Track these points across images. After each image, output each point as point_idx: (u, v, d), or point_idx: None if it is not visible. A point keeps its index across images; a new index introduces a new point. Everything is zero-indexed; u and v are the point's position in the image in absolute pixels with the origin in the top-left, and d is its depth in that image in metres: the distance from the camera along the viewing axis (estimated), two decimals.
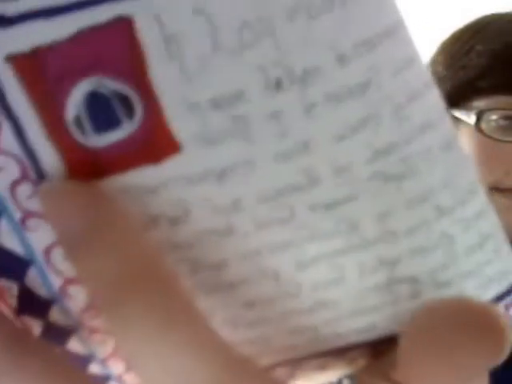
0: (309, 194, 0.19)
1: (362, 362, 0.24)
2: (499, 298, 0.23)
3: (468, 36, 0.87)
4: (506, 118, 0.81)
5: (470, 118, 0.82)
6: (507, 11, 0.90)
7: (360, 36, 0.18)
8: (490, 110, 0.81)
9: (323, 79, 0.17)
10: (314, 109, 0.18)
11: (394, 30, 0.18)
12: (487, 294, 0.23)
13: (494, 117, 0.81)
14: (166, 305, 0.17)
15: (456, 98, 0.84)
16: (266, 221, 0.19)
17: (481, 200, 0.21)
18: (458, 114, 0.83)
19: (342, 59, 0.17)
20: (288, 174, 0.19)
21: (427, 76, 0.19)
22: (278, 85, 0.17)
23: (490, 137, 0.81)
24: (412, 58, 0.19)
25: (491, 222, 0.22)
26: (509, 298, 0.23)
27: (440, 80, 0.86)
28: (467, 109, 0.83)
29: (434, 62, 0.89)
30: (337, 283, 0.21)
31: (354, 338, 0.23)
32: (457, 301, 0.21)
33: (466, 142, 0.83)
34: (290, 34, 0.17)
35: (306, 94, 0.18)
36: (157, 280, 0.17)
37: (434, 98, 0.19)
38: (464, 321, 0.20)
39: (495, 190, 0.81)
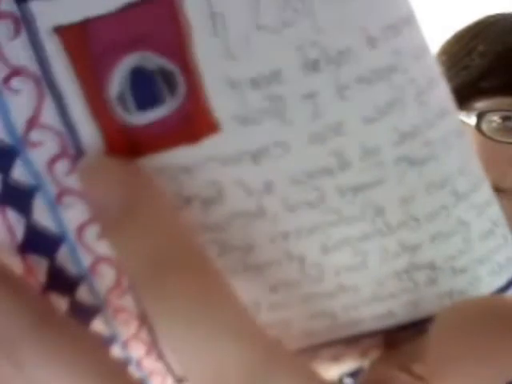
0: (338, 177, 0.19)
1: (374, 353, 0.24)
2: (509, 284, 0.23)
3: (470, 36, 0.87)
4: (507, 119, 0.81)
5: (471, 119, 0.82)
6: (510, 11, 0.90)
7: (386, 20, 0.18)
8: (491, 111, 0.81)
9: (355, 61, 0.18)
10: (346, 90, 0.18)
11: (412, 19, 0.19)
12: (500, 280, 0.23)
13: (495, 118, 0.81)
14: (203, 284, 0.17)
15: (457, 99, 0.84)
16: (296, 204, 0.20)
17: (488, 187, 0.22)
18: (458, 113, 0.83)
19: (371, 42, 0.18)
20: (319, 156, 0.19)
21: (438, 66, 0.20)
22: (314, 65, 0.18)
23: (490, 138, 0.81)
24: (427, 47, 0.20)
25: (498, 210, 0.23)
26: None
27: None
28: (468, 109, 0.83)
29: (437, 61, 0.89)
30: (359, 268, 0.21)
31: (371, 326, 0.23)
32: (489, 299, 0.21)
33: None
34: (327, 15, 0.17)
35: (339, 75, 0.18)
36: (194, 259, 0.17)
37: (446, 87, 0.20)
38: (503, 320, 0.20)
39: (495, 190, 0.82)
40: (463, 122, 0.83)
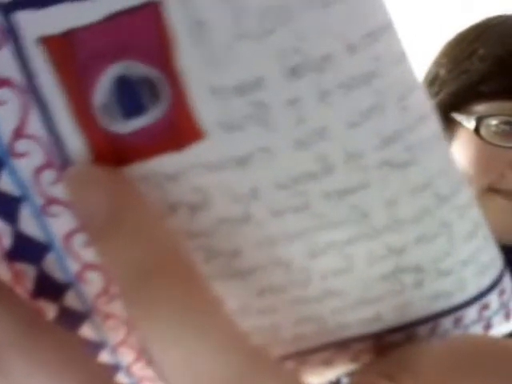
0: (323, 181, 0.19)
1: (365, 357, 0.24)
2: (494, 284, 0.24)
3: (471, 39, 0.87)
4: (506, 123, 0.81)
5: (470, 123, 0.82)
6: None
7: (366, 27, 0.18)
8: (490, 115, 0.81)
9: (336, 67, 0.18)
10: (328, 96, 0.18)
11: (390, 26, 0.19)
12: (484, 281, 0.24)
13: (493, 122, 0.81)
14: (188, 291, 0.17)
15: (457, 102, 0.84)
16: (282, 209, 0.20)
17: (469, 190, 0.22)
18: (458, 117, 0.83)
19: (351, 48, 0.18)
20: (304, 161, 0.19)
21: (415, 72, 0.20)
22: (296, 71, 0.18)
23: (489, 143, 0.81)
24: (404, 53, 0.20)
25: (478, 211, 0.23)
26: (500, 285, 0.24)
27: (442, 83, 0.86)
28: (467, 113, 0.83)
29: (437, 64, 0.89)
30: (345, 272, 0.22)
31: (360, 329, 0.23)
32: (484, 340, 0.21)
33: (464, 144, 0.83)
34: (308, 22, 0.17)
35: (320, 81, 0.18)
36: (179, 266, 0.18)
37: (424, 92, 0.20)
38: (498, 367, 0.20)
39: (491, 191, 0.82)
40: (462, 125, 0.83)
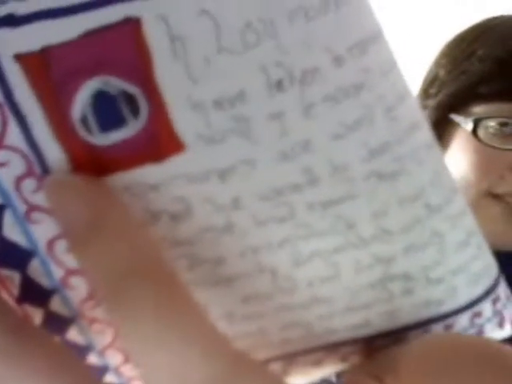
0: (308, 192, 0.19)
1: (355, 358, 0.25)
2: (487, 292, 0.24)
3: (470, 40, 0.87)
4: (504, 125, 0.81)
5: (468, 124, 0.82)
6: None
7: (353, 39, 0.18)
8: (488, 117, 0.81)
9: (321, 80, 0.18)
10: (313, 109, 0.18)
11: (379, 36, 0.19)
12: (477, 289, 0.23)
13: (492, 123, 0.81)
14: (167, 298, 0.17)
15: (456, 103, 0.84)
16: (265, 219, 0.20)
17: (462, 199, 0.22)
18: (456, 118, 0.83)
19: (337, 61, 0.18)
20: (288, 173, 0.19)
21: (406, 80, 0.20)
22: (278, 85, 0.18)
23: (486, 144, 0.81)
24: (394, 63, 0.20)
25: (472, 220, 0.23)
26: (493, 294, 0.24)
27: (442, 84, 0.86)
28: (466, 114, 0.83)
29: (437, 64, 0.89)
30: (332, 280, 0.22)
31: (348, 334, 0.24)
32: (469, 339, 0.21)
33: (463, 146, 0.83)
34: (291, 36, 0.17)
35: (305, 94, 0.18)
36: (159, 273, 0.18)
37: (415, 101, 0.20)
38: (478, 362, 0.20)
39: (489, 195, 0.82)
40: (460, 127, 0.83)
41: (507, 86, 0.80)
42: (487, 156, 0.81)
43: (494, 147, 0.80)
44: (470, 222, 0.23)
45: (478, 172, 0.81)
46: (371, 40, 0.19)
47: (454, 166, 0.82)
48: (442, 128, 0.84)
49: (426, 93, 0.88)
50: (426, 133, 0.21)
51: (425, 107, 0.86)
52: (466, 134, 0.82)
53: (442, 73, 0.87)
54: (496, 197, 0.81)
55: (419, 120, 0.20)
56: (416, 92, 0.90)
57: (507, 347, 0.21)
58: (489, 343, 0.21)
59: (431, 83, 0.88)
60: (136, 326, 0.17)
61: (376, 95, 0.19)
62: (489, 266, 0.24)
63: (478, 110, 0.82)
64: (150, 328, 0.17)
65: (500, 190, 0.81)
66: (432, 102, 0.86)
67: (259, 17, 0.17)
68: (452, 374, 0.20)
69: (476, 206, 0.80)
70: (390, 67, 0.19)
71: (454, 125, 0.84)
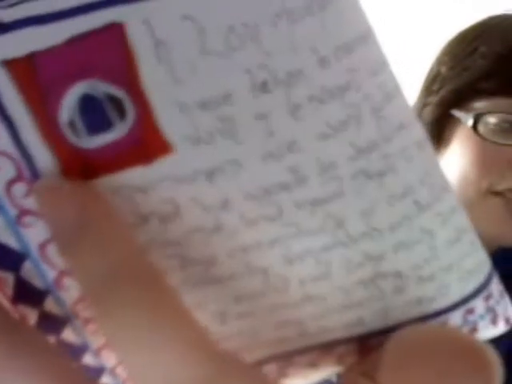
0: (296, 191, 0.20)
1: (350, 358, 0.25)
2: (478, 290, 0.24)
3: (473, 37, 0.87)
4: (505, 121, 0.81)
5: (469, 120, 0.82)
6: None
7: (338, 40, 0.18)
8: (488, 113, 0.81)
9: (306, 81, 0.18)
10: (299, 110, 0.18)
11: (367, 36, 0.19)
12: (468, 287, 0.23)
13: (492, 119, 0.81)
14: (152, 301, 0.18)
15: (457, 99, 0.84)
16: (254, 218, 0.20)
17: (453, 196, 0.22)
18: (457, 114, 0.83)
19: (323, 62, 0.18)
20: (275, 173, 0.19)
21: (397, 80, 0.20)
22: (263, 87, 0.18)
23: (486, 139, 0.81)
24: (384, 63, 0.20)
25: (464, 217, 0.23)
26: (486, 290, 0.24)
27: (443, 81, 0.86)
28: (467, 110, 0.83)
29: (439, 62, 0.89)
30: (323, 278, 0.22)
31: (342, 333, 0.24)
32: (445, 330, 0.21)
33: (464, 142, 0.83)
34: (274, 38, 0.18)
35: (290, 95, 0.18)
36: (143, 277, 0.18)
37: (405, 100, 0.20)
38: (453, 353, 0.20)
39: (490, 193, 0.82)
40: (461, 123, 0.83)
41: (508, 82, 0.80)
42: (487, 152, 0.81)
43: (494, 143, 0.80)
44: (461, 219, 0.23)
45: (479, 168, 0.81)
46: (358, 40, 0.19)
47: (455, 163, 0.83)
48: (444, 125, 0.84)
49: (427, 90, 0.88)
50: (416, 131, 0.21)
51: (427, 104, 0.87)
52: (467, 130, 0.82)
53: (443, 70, 0.87)
54: (497, 194, 0.81)
55: (409, 119, 0.21)
56: (417, 90, 0.90)
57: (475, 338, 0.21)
58: (465, 335, 0.21)
59: (433, 80, 0.88)
60: (117, 328, 0.18)
61: (363, 95, 0.19)
62: (481, 263, 0.24)
63: (479, 105, 0.82)
64: (130, 330, 0.17)
65: (501, 187, 0.81)
66: (434, 99, 0.86)
67: (242, 21, 0.17)
68: (423, 365, 0.20)
69: (477, 203, 0.80)
70: (378, 67, 0.19)
71: (455, 121, 0.84)
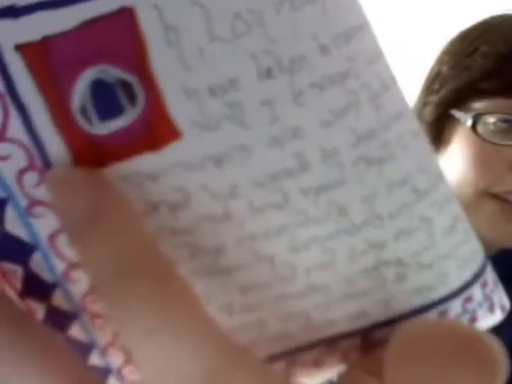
0: (300, 178, 0.20)
1: (353, 355, 0.25)
2: (476, 276, 0.24)
3: (473, 37, 0.87)
4: (505, 121, 0.81)
5: (468, 120, 0.82)
6: None
7: (338, 28, 0.19)
8: (488, 113, 0.81)
9: (308, 68, 0.19)
10: (301, 96, 0.19)
11: (364, 26, 0.20)
12: (465, 275, 0.24)
13: (492, 119, 0.81)
14: (163, 292, 0.17)
15: (458, 99, 0.84)
16: (261, 206, 0.20)
17: (447, 185, 0.23)
18: (457, 114, 0.83)
19: (323, 49, 0.19)
20: (280, 159, 0.20)
21: (392, 71, 0.21)
22: (268, 73, 0.18)
23: (485, 140, 0.81)
24: (380, 53, 0.20)
25: (458, 206, 0.23)
26: (482, 278, 0.24)
27: (444, 80, 0.86)
28: (467, 110, 0.83)
29: (440, 61, 0.89)
30: (328, 267, 0.22)
31: (346, 326, 0.24)
32: (447, 323, 0.21)
33: (463, 142, 0.83)
34: (277, 25, 0.18)
35: (293, 81, 0.19)
36: (155, 268, 0.18)
37: (401, 91, 0.21)
38: (456, 346, 0.20)
39: (486, 195, 0.82)
40: (460, 123, 0.83)
41: (509, 82, 0.80)
42: (486, 152, 0.81)
43: (493, 143, 0.80)
44: (455, 207, 0.23)
45: (477, 168, 0.81)
46: (356, 30, 0.19)
47: (454, 163, 0.83)
48: (444, 124, 0.84)
49: (428, 89, 0.88)
50: (411, 121, 0.22)
51: (427, 103, 0.87)
52: (466, 130, 0.82)
53: (444, 69, 0.87)
54: (493, 196, 0.81)
55: (404, 109, 0.21)
56: (417, 89, 0.90)
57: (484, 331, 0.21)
58: (467, 327, 0.21)
59: (434, 79, 0.88)
60: (128, 320, 0.17)
61: (361, 83, 0.20)
62: (475, 251, 0.24)
63: (479, 105, 0.82)
64: (142, 323, 0.17)
65: (498, 189, 0.81)
66: (434, 98, 0.86)
67: (247, 7, 0.18)
68: (427, 360, 0.20)
69: (474, 205, 0.81)
70: (375, 56, 0.20)
71: (455, 121, 0.84)
